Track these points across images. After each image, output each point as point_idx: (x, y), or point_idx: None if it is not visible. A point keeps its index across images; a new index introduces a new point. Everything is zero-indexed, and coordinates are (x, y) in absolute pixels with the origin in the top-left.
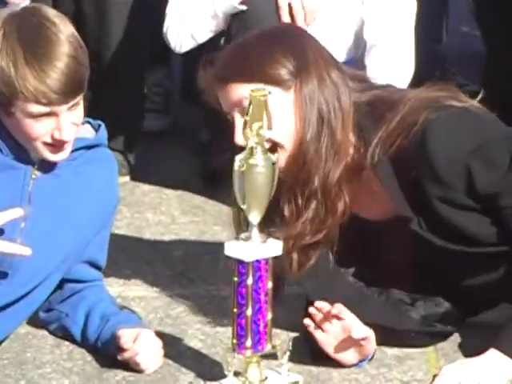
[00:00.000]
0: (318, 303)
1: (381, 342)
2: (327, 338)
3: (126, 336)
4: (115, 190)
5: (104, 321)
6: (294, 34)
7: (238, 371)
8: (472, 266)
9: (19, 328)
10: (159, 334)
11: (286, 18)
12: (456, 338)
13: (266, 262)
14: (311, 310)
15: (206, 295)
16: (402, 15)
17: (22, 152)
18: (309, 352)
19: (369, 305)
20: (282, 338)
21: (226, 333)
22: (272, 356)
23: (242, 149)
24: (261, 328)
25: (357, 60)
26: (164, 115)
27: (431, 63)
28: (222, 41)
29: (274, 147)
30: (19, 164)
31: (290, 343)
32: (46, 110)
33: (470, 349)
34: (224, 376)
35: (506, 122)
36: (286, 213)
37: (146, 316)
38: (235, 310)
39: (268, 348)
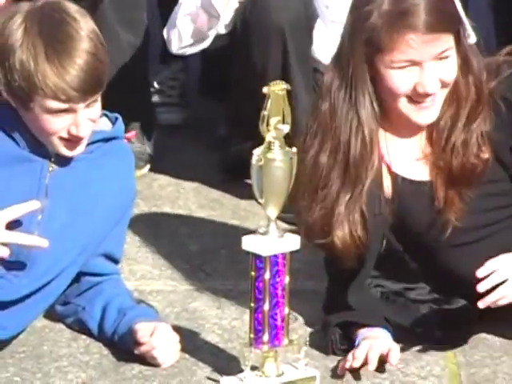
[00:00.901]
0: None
1: (398, 339)
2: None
3: (142, 330)
4: (132, 183)
5: (121, 315)
6: None
7: (254, 366)
8: None
9: (36, 321)
10: (176, 328)
11: None
12: (473, 333)
13: (283, 257)
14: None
15: (222, 289)
16: None
17: (39, 146)
18: (325, 347)
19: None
20: (299, 333)
21: (243, 327)
22: (289, 351)
23: (260, 143)
24: (278, 323)
25: None
26: (180, 108)
27: None
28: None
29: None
30: (36, 157)
31: (307, 338)
32: (65, 106)
33: (488, 344)
34: (241, 370)
35: None
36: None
37: (162, 310)
38: (252, 304)
39: (285, 343)
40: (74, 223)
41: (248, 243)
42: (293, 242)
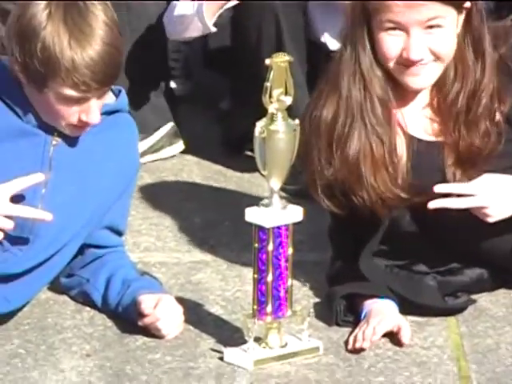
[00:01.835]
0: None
1: (402, 311)
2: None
3: (146, 302)
4: (136, 155)
5: (125, 286)
6: None
7: (258, 337)
8: None
9: (40, 293)
10: (180, 300)
11: None
12: (476, 303)
13: (286, 228)
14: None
15: (226, 261)
16: None
17: (43, 121)
18: (329, 318)
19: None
20: (303, 304)
21: (246, 299)
22: (292, 322)
23: (263, 115)
24: (281, 294)
25: None
26: (183, 80)
27: None
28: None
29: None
30: (39, 131)
31: (311, 309)
32: (81, 95)
33: (491, 314)
34: (244, 342)
35: None
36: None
37: (166, 282)
38: (256, 276)
39: (288, 314)
40: (78, 196)
41: (251, 215)
42: (296, 214)
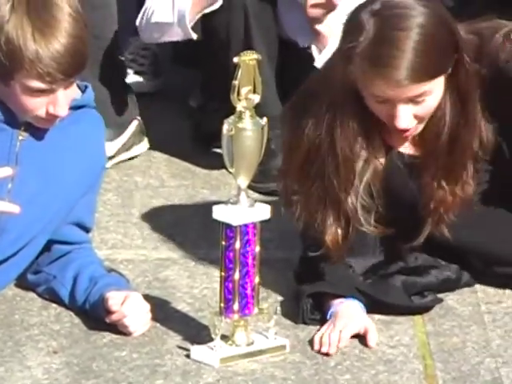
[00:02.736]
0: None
1: (368, 310)
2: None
3: (114, 298)
4: (103, 151)
5: (92, 283)
6: None
7: (225, 335)
8: None
9: (7, 290)
10: (147, 297)
11: None
12: (443, 302)
13: (253, 226)
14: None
15: (194, 259)
16: None
17: (9, 114)
18: (296, 316)
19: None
20: (270, 302)
21: (213, 296)
22: (259, 320)
23: (232, 112)
24: (248, 292)
25: None
26: (152, 77)
27: None
28: None
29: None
30: (6, 126)
31: (278, 307)
32: (47, 87)
33: (457, 313)
34: (211, 339)
35: None
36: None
37: (134, 279)
38: (223, 273)
39: (255, 312)
40: (45, 191)
41: (218, 213)
42: (263, 212)
